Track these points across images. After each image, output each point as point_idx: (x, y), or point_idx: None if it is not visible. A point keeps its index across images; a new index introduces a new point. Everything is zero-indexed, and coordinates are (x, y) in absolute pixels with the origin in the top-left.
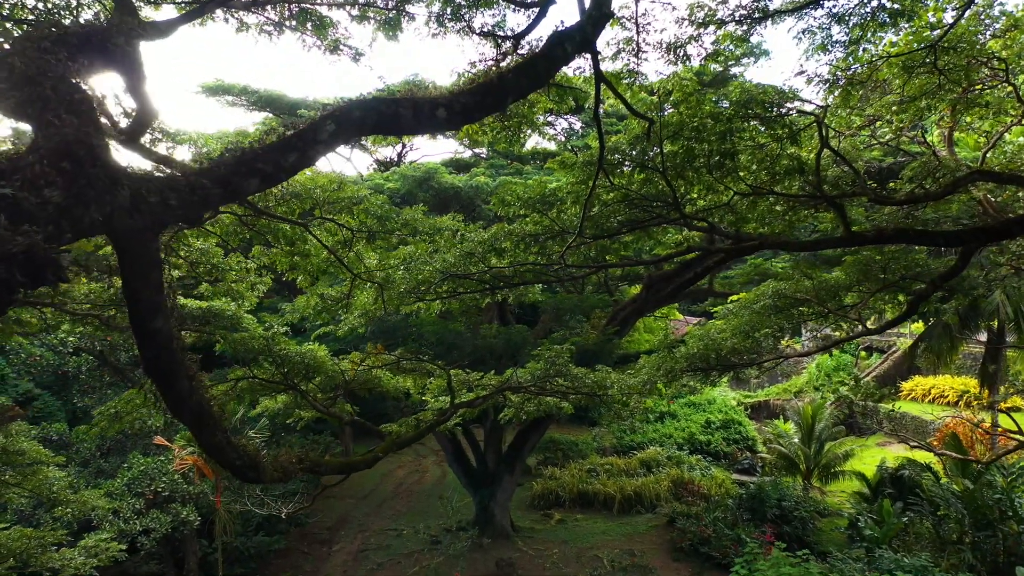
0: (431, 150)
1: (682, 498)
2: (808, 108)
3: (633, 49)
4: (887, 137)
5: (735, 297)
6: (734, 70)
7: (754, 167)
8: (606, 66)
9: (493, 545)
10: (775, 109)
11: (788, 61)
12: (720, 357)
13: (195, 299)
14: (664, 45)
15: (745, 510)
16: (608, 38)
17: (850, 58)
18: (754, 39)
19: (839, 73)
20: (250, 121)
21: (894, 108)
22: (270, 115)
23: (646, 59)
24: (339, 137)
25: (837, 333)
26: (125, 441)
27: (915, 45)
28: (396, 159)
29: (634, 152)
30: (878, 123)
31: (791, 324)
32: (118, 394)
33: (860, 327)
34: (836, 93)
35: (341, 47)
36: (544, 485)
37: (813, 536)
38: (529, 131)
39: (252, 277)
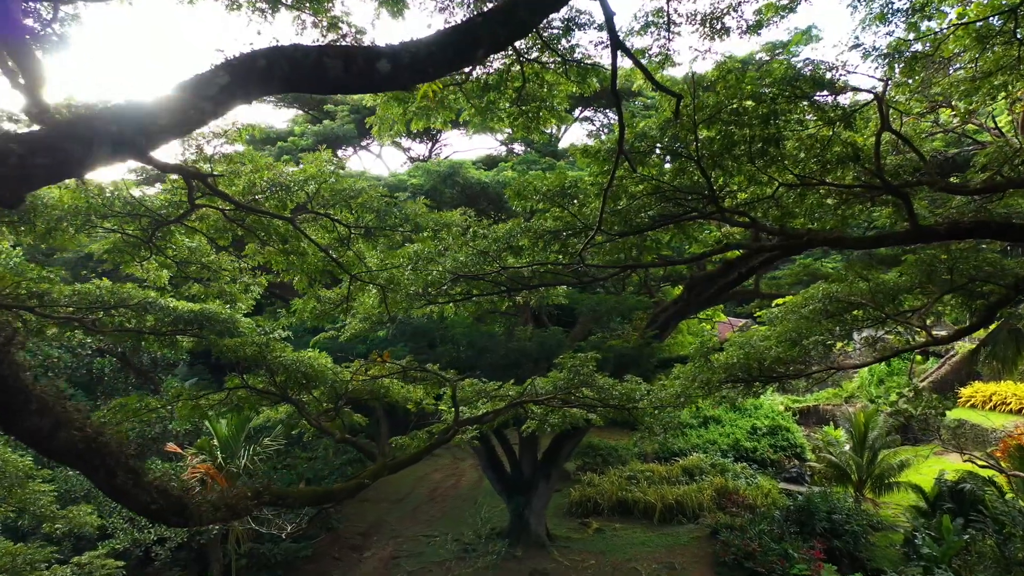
0: (462, 146)
1: (726, 508)
2: (865, 87)
3: (663, 22)
4: (954, 122)
5: (780, 300)
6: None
7: (802, 155)
8: (633, 42)
9: (527, 555)
10: (825, 89)
11: (839, 37)
12: (763, 367)
13: (187, 300)
14: (699, 17)
15: (792, 523)
16: (635, 10)
17: (910, 35)
18: (802, 15)
19: (902, 47)
20: (279, 118)
21: (963, 88)
22: (299, 111)
23: (678, 33)
24: (236, 93)
25: (891, 337)
26: (152, 444)
27: (989, 13)
28: (427, 156)
29: (665, 138)
30: (941, 109)
31: (844, 330)
32: (141, 397)
33: (925, 335)
34: (899, 68)
35: (340, 25)
36: (582, 492)
37: (866, 552)
38: (553, 120)
39: (246, 278)
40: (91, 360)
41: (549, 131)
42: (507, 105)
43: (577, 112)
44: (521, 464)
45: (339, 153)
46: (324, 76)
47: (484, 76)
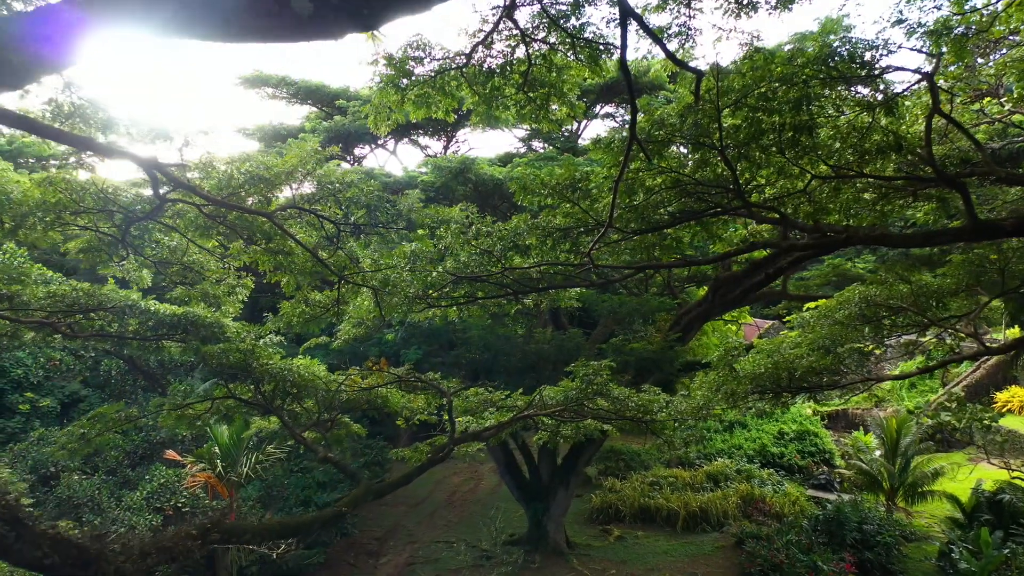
0: (481, 144)
1: (752, 516)
2: (908, 68)
3: None
4: (1006, 108)
5: (811, 304)
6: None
7: (837, 145)
8: (650, 19)
9: (545, 563)
10: (864, 70)
11: (879, 13)
12: (794, 377)
13: (169, 303)
14: None
15: (822, 532)
16: None
17: (956, 14)
18: None
19: (951, 23)
20: (294, 115)
21: (1018, 68)
22: (312, 108)
23: (700, 10)
24: (94, 30)
25: (925, 340)
26: (160, 448)
27: None
28: (443, 154)
29: (685, 126)
30: (986, 99)
31: (881, 336)
32: (148, 400)
33: (975, 343)
34: (946, 48)
35: None
36: (603, 498)
37: (898, 564)
38: (564, 108)
39: (231, 279)
40: (97, 361)
41: (568, 127)
42: (513, 91)
43: (598, 108)
44: (539, 469)
45: (355, 151)
46: (218, 16)
47: (487, 59)
